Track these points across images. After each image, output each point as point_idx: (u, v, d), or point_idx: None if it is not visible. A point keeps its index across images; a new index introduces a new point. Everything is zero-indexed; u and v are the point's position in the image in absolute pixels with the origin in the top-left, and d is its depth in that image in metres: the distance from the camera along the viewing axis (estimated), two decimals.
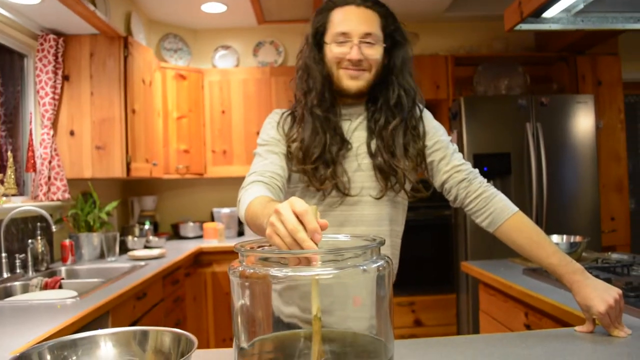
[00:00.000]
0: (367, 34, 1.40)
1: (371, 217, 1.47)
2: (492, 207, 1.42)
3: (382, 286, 0.85)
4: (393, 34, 1.47)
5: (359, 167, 1.47)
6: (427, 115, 1.56)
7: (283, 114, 1.54)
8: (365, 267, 0.81)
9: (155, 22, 4.37)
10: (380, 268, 0.83)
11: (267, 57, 4.59)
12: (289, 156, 1.46)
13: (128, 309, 2.34)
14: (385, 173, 1.43)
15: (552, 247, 1.34)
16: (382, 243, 0.87)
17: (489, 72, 4.34)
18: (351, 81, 1.43)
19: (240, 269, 0.84)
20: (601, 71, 4.26)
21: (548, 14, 2.10)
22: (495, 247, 3.67)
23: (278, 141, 1.47)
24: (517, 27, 2.20)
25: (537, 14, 2.08)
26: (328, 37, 1.45)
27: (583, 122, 3.85)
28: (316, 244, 0.80)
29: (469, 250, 3.69)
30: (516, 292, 2.06)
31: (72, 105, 3.21)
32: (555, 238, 2.49)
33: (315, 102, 1.45)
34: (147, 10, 4.12)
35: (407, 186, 1.47)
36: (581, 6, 2.12)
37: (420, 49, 4.43)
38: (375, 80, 1.46)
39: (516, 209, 1.42)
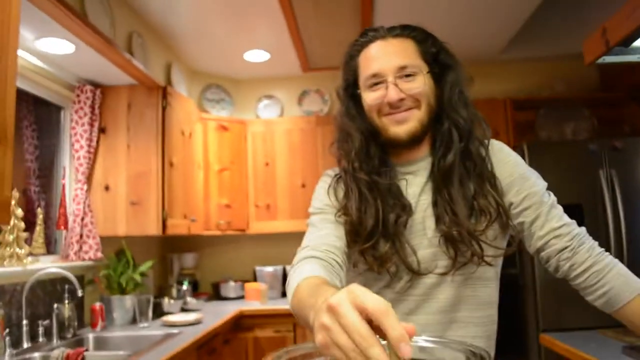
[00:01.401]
0: (402, 67, 1.14)
1: (448, 301, 1.16)
2: (608, 284, 1.07)
3: None
4: (438, 57, 1.20)
5: (427, 239, 1.16)
6: (507, 156, 1.22)
7: (336, 176, 1.27)
8: None
9: (197, 73, 4.26)
10: None
11: (312, 106, 4.39)
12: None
13: None
14: (452, 240, 1.11)
15: None
16: None
17: (552, 116, 4.00)
18: (398, 127, 1.16)
19: None
20: None
21: (638, 42, 1.79)
22: (571, 314, 3.28)
23: (334, 208, 1.19)
24: (600, 60, 1.89)
25: (625, 43, 1.77)
26: (361, 85, 1.21)
27: None
28: None
29: (540, 316, 3.26)
30: None
31: (108, 158, 3.05)
32: None
33: (357, 164, 1.18)
34: (188, 61, 4.02)
35: (489, 251, 1.12)
36: None
37: (475, 94, 4.11)
38: (431, 118, 1.18)
39: None
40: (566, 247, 1.11)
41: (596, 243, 1.13)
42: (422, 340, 0.68)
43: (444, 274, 1.13)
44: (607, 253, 1.12)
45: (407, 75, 1.14)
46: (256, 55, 3.94)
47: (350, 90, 1.24)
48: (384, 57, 1.15)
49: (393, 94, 1.12)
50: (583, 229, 1.15)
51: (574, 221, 1.16)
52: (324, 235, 1.13)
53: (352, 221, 1.14)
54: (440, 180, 1.15)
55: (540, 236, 1.14)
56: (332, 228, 1.15)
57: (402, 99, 1.13)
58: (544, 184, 1.19)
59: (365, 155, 1.19)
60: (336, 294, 0.55)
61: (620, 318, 1.08)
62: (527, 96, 4.11)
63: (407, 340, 0.51)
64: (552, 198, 1.18)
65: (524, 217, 1.15)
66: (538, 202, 1.15)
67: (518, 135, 4.01)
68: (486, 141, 1.20)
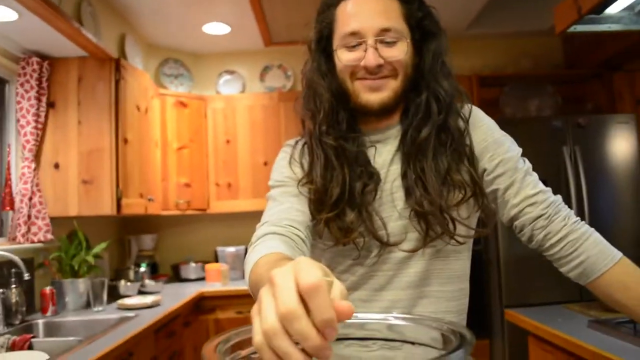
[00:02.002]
0: (385, 30, 1.04)
1: (418, 275, 1.08)
2: (584, 253, 1.01)
3: None
4: (422, 23, 1.10)
5: (397, 212, 1.08)
6: (480, 121, 1.14)
7: (297, 143, 1.18)
8: None
9: (154, 46, 4.06)
10: None
11: (274, 81, 4.26)
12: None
13: None
14: (423, 216, 1.04)
15: None
16: (469, 343, 0.48)
17: (516, 93, 3.98)
18: (371, 94, 1.07)
19: None
20: None
21: (611, 9, 1.74)
22: (536, 290, 3.29)
23: (295, 180, 1.11)
24: (572, 29, 1.83)
25: (598, 11, 1.72)
26: (335, 41, 1.10)
27: (624, 144, 3.46)
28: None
29: (504, 292, 3.26)
30: (586, 352, 1.64)
31: (57, 135, 2.87)
32: None
33: (324, 128, 1.09)
34: (145, 33, 3.83)
35: (461, 230, 1.06)
36: None
37: None
38: (407, 88, 1.09)
39: (619, 254, 1.01)
40: (541, 215, 1.05)
41: (572, 211, 1.07)
42: (392, 318, 0.60)
43: (414, 250, 1.06)
44: (583, 222, 1.06)
45: (389, 41, 1.04)
46: (216, 28, 3.78)
47: (323, 45, 1.14)
48: (367, 15, 1.05)
49: (371, 59, 1.03)
50: (558, 196, 1.09)
51: (549, 189, 1.09)
52: (285, 210, 1.04)
53: (316, 189, 1.06)
54: (413, 153, 1.07)
55: (514, 204, 1.07)
56: (294, 201, 1.07)
57: (380, 65, 1.04)
58: (518, 150, 1.13)
59: (333, 118, 1.09)
60: (282, 267, 0.46)
61: (595, 290, 1.02)
62: (493, 73, 4.08)
63: (334, 325, 0.43)
64: (527, 164, 1.11)
65: (498, 184, 1.09)
66: (512, 169, 1.08)
67: (483, 112, 3.98)
68: (466, 114, 1.12)
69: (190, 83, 4.18)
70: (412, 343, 0.58)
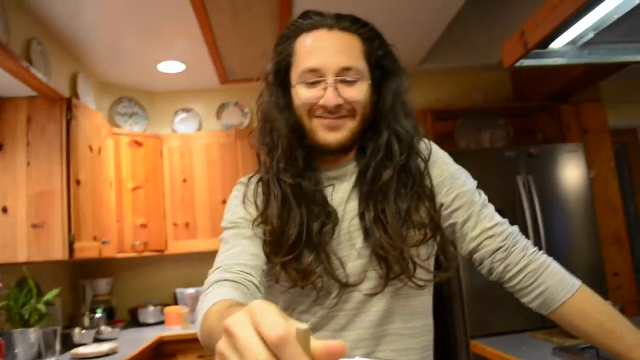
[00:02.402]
0: (346, 69, 1.02)
1: (380, 314, 1.06)
2: (544, 284, 1.02)
3: None
4: (382, 62, 1.08)
5: (356, 251, 1.06)
6: (435, 156, 1.15)
7: (250, 180, 1.15)
8: None
9: (107, 85, 3.99)
10: None
11: (231, 119, 4.25)
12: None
13: None
14: (383, 257, 1.02)
15: (633, 337, 0.96)
16: None
17: (469, 126, 4.08)
18: (329, 134, 1.04)
19: None
20: (586, 119, 4.04)
21: (555, 44, 1.81)
22: (499, 319, 3.31)
23: (249, 222, 1.06)
24: (519, 64, 1.89)
25: (543, 46, 1.78)
26: (294, 76, 1.06)
27: (575, 172, 3.57)
28: None
29: (469, 323, 3.27)
30: None
31: (6, 177, 2.76)
32: None
33: (282, 165, 1.06)
34: (97, 72, 3.76)
35: (421, 273, 1.04)
36: (591, 36, 1.83)
37: None
38: (364, 127, 1.08)
39: (578, 283, 1.03)
40: (500, 248, 1.06)
41: (529, 242, 1.09)
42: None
43: (374, 294, 1.04)
44: (541, 251, 1.07)
45: (349, 82, 1.02)
46: (172, 67, 3.76)
47: (281, 78, 1.10)
48: (328, 52, 1.02)
49: (331, 99, 1.00)
50: (515, 227, 1.10)
51: (506, 220, 1.11)
52: (237, 254, 1.00)
53: (273, 230, 1.03)
54: (373, 194, 1.05)
55: (473, 237, 1.08)
56: (247, 244, 1.02)
57: (339, 106, 1.02)
58: (474, 183, 1.14)
59: (291, 155, 1.06)
60: (235, 314, 0.44)
61: (557, 319, 1.03)
62: (446, 107, 4.17)
63: None
64: (483, 197, 1.12)
65: (455, 219, 1.09)
66: (469, 202, 1.09)
67: (438, 145, 4.05)
68: (426, 154, 1.12)
69: (146, 122, 4.12)
70: None
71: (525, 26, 1.76)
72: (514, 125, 4.14)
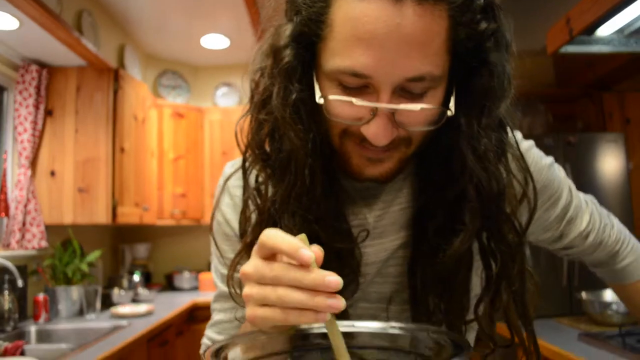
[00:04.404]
0: (413, 80, 0.59)
1: None
2: (631, 255, 0.97)
3: None
4: (480, 46, 0.64)
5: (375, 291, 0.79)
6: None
7: (242, 197, 0.79)
8: None
9: (153, 57, 4.10)
10: None
11: None
12: None
13: None
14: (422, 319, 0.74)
15: None
16: (465, 353, 0.49)
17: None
18: (370, 167, 0.68)
19: None
20: (629, 109, 3.95)
21: (601, 32, 1.79)
22: None
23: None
24: (563, 50, 1.88)
25: (589, 33, 1.77)
26: (324, 62, 0.63)
27: (613, 162, 3.52)
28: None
29: None
30: None
31: (54, 143, 2.89)
32: (609, 295, 2.11)
33: (302, 202, 0.69)
34: (143, 44, 3.87)
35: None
36: (639, 24, 1.81)
37: None
38: (422, 148, 0.70)
39: None
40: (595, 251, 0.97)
41: (618, 227, 1.02)
42: (390, 328, 0.60)
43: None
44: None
45: (414, 94, 0.61)
46: (215, 41, 3.82)
47: (301, 53, 0.67)
48: (390, 50, 0.57)
49: (381, 136, 0.62)
50: (608, 220, 1.02)
51: (595, 222, 0.99)
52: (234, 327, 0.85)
53: None
54: (439, 269, 0.71)
55: (558, 249, 0.97)
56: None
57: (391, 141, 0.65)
58: (566, 193, 0.97)
59: (309, 196, 0.69)
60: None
61: (624, 294, 0.98)
62: None
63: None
64: (574, 204, 0.98)
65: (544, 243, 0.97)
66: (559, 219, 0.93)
67: None
68: (533, 194, 0.75)
69: (188, 95, 4.22)
70: (407, 352, 0.59)
71: (571, 12, 1.75)
72: (553, 112, 4.08)
